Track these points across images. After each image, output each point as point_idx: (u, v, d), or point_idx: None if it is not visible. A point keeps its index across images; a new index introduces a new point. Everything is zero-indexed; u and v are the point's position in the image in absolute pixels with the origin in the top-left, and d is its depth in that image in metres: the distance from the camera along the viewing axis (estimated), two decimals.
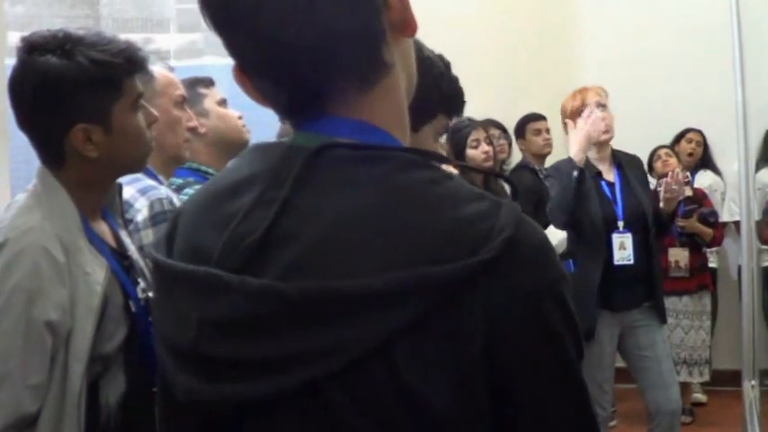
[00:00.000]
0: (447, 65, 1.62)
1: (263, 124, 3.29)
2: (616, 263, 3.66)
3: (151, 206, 2.05)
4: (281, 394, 0.86)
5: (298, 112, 0.96)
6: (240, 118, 2.73)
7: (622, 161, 3.90)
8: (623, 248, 3.67)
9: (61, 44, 1.58)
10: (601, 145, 3.83)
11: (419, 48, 1.59)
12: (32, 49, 1.58)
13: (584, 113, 3.67)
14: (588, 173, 3.78)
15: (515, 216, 0.88)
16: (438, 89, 1.59)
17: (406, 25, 0.94)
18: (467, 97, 1.70)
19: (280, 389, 0.85)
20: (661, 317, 3.82)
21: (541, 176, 5.18)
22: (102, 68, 1.59)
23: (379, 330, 0.83)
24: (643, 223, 3.74)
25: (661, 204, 3.79)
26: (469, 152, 3.87)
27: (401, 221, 0.86)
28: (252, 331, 0.86)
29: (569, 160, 3.64)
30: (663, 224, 3.90)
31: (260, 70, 0.94)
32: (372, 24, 0.90)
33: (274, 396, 0.86)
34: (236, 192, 0.94)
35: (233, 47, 0.93)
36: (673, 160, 5.43)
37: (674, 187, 3.77)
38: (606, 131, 3.77)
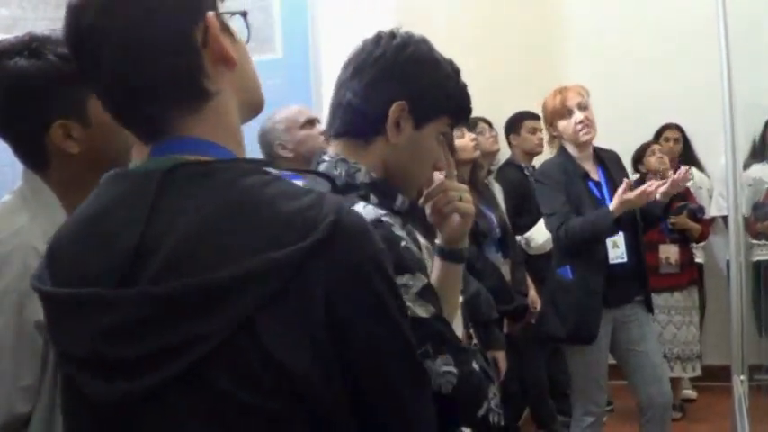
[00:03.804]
0: (456, 70, 1.63)
1: (249, 136, 3.30)
2: (611, 261, 3.68)
3: None
4: (170, 383, 1.02)
5: (146, 136, 1.16)
6: None
7: (604, 158, 3.91)
8: (616, 247, 3.69)
9: (28, 45, 1.58)
10: (583, 144, 3.83)
11: (431, 49, 1.62)
12: (1, 56, 1.58)
13: (647, 185, 3.63)
14: (576, 174, 3.79)
15: (337, 204, 1.07)
16: (444, 91, 1.60)
17: (226, 61, 1.14)
18: None
19: (168, 378, 1.01)
20: (649, 310, 3.86)
21: (527, 173, 5.19)
22: (72, 63, 1.59)
23: (241, 310, 1.00)
24: (632, 220, 3.75)
25: (658, 197, 3.79)
26: (458, 142, 3.89)
27: (245, 219, 1.04)
28: (137, 333, 1.03)
29: (608, 212, 3.60)
30: (653, 219, 3.91)
31: (111, 106, 1.16)
32: (191, 62, 1.11)
33: (164, 385, 1.02)
34: (105, 216, 1.12)
35: (88, 82, 1.16)
36: (666, 158, 5.47)
37: (680, 184, 3.76)
38: (587, 133, 3.78)
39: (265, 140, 3.32)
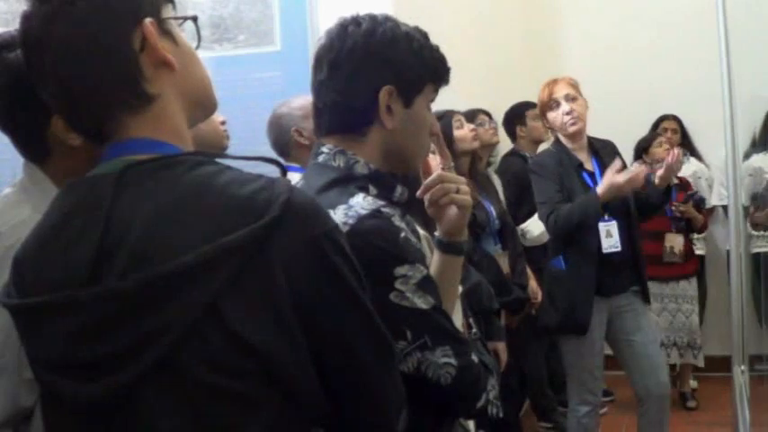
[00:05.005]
0: (425, 34, 1.62)
1: (247, 129, 3.29)
2: (605, 251, 3.67)
3: None
4: (144, 377, 1.04)
5: (95, 139, 1.20)
6: (223, 123, 2.72)
7: (598, 148, 3.90)
8: (610, 236, 3.67)
9: None
10: (574, 135, 3.82)
11: (396, 25, 1.60)
12: (1, 48, 1.57)
13: (633, 168, 3.62)
14: (570, 164, 3.79)
15: (287, 186, 1.11)
16: (422, 61, 1.60)
17: (165, 64, 1.18)
18: (451, 86, 1.70)
19: (141, 372, 1.04)
20: (645, 300, 3.86)
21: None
22: None
23: (202, 295, 1.03)
24: (625, 209, 3.74)
25: (656, 181, 3.79)
26: (457, 133, 3.89)
27: (199, 208, 1.07)
28: (105, 331, 1.05)
29: (595, 196, 3.61)
30: (651, 208, 3.91)
31: (58, 110, 1.22)
32: (129, 67, 1.15)
33: (139, 380, 1.05)
34: (65, 224, 1.14)
35: (38, 88, 1.19)
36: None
37: (675, 167, 3.76)
38: (573, 124, 3.77)
39: (279, 124, 3.29)
